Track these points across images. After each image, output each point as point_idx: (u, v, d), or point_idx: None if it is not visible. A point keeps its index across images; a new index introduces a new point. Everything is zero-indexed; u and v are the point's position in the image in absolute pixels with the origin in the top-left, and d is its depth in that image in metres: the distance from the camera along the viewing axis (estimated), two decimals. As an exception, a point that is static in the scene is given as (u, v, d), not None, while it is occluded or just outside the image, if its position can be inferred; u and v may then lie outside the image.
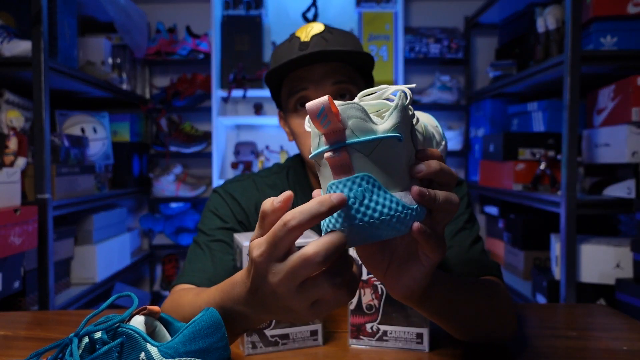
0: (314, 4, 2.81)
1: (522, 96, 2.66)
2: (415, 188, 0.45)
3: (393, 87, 0.49)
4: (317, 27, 0.89)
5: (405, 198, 0.45)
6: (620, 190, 1.71)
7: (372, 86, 0.97)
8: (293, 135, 0.94)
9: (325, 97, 0.42)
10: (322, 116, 0.42)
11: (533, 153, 2.14)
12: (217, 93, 2.75)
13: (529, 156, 2.15)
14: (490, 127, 2.65)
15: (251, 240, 0.48)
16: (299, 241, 0.46)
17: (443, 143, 0.61)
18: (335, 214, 0.44)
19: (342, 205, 0.43)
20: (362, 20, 2.80)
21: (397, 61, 2.80)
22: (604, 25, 1.75)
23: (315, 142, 0.46)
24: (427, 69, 2.98)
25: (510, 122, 2.58)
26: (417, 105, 2.83)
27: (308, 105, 0.43)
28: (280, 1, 2.95)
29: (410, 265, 0.51)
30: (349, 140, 0.43)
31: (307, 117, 0.50)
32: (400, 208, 0.44)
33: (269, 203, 0.46)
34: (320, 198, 0.43)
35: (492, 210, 2.69)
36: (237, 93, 2.75)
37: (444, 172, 0.48)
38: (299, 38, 0.88)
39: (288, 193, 0.46)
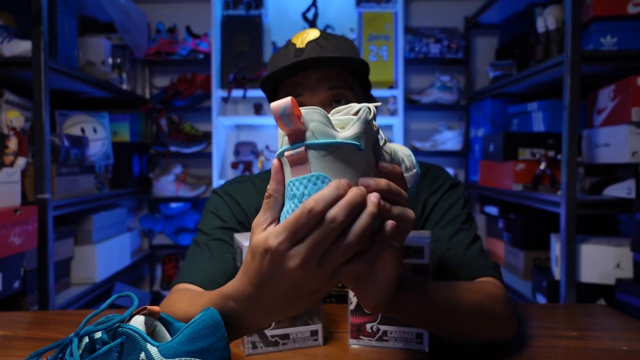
0: (314, 4, 2.81)
1: (522, 96, 2.65)
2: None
3: (359, 105, 0.51)
4: (312, 34, 0.90)
5: None
6: (620, 190, 1.71)
7: (369, 90, 1.00)
8: None
9: (288, 99, 0.45)
10: (284, 116, 0.45)
11: (533, 153, 2.14)
12: (217, 93, 2.75)
13: (529, 156, 2.15)
14: (490, 127, 2.65)
15: (257, 223, 0.49)
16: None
17: (413, 171, 0.65)
18: (291, 209, 0.47)
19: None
20: (362, 20, 2.80)
21: (397, 61, 2.80)
22: (604, 25, 1.75)
23: (280, 142, 0.48)
24: (427, 69, 2.98)
25: (510, 122, 2.58)
26: (417, 105, 2.84)
27: (272, 105, 0.46)
28: (280, 1, 2.95)
29: (370, 277, 0.53)
30: (308, 141, 0.46)
31: None
32: None
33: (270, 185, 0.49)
34: (335, 183, 0.45)
35: (492, 210, 2.69)
36: (237, 93, 2.75)
37: (392, 192, 0.49)
38: (294, 45, 0.89)
39: (275, 162, 0.48)
